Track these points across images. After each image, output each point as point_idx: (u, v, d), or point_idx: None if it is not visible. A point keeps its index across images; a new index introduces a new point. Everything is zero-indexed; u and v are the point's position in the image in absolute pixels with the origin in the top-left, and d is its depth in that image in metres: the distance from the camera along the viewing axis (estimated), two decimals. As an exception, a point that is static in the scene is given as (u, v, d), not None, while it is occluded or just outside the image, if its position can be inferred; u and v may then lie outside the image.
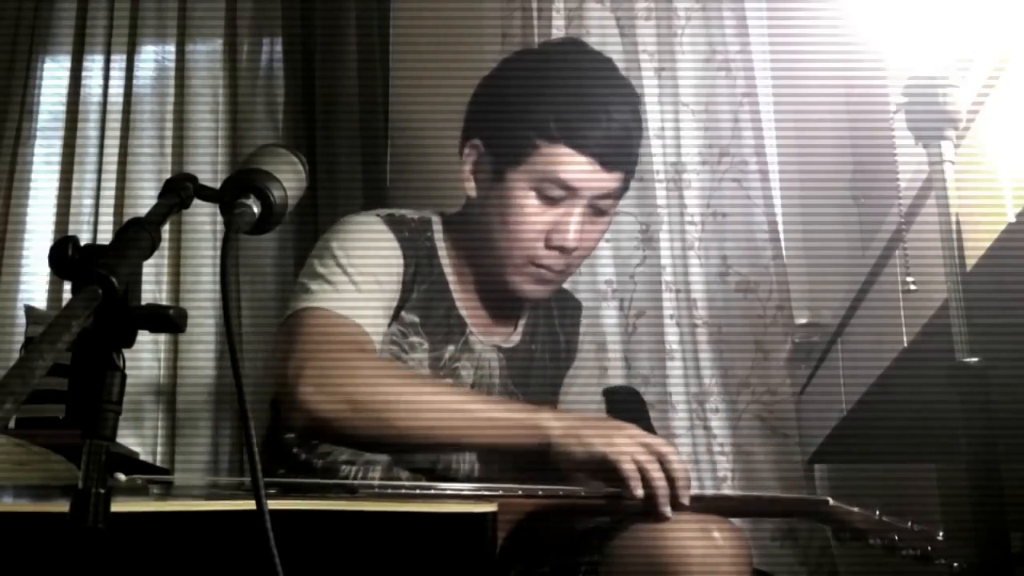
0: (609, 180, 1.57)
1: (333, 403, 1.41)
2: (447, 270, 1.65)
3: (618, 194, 1.62)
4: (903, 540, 1.40)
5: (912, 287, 1.21)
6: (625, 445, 1.38)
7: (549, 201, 1.56)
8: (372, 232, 1.60)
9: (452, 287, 1.65)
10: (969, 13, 1.16)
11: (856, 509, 1.42)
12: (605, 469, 1.38)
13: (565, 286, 1.80)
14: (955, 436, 1.12)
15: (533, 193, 1.56)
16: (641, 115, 1.65)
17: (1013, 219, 1.07)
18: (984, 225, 1.12)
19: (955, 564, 1.36)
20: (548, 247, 1.57)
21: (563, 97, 1.55)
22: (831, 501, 1.42)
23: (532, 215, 1.56)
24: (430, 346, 1.60)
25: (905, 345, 1.43)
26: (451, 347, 1.62)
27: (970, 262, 1.14)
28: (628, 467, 1.36)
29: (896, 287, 1.46)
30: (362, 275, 1.53)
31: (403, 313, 1.58)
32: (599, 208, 1.59)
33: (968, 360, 1.10)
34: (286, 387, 1.44)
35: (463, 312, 1.64)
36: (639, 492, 1.36)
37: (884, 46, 1.27)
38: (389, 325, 1.57)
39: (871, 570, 2.00)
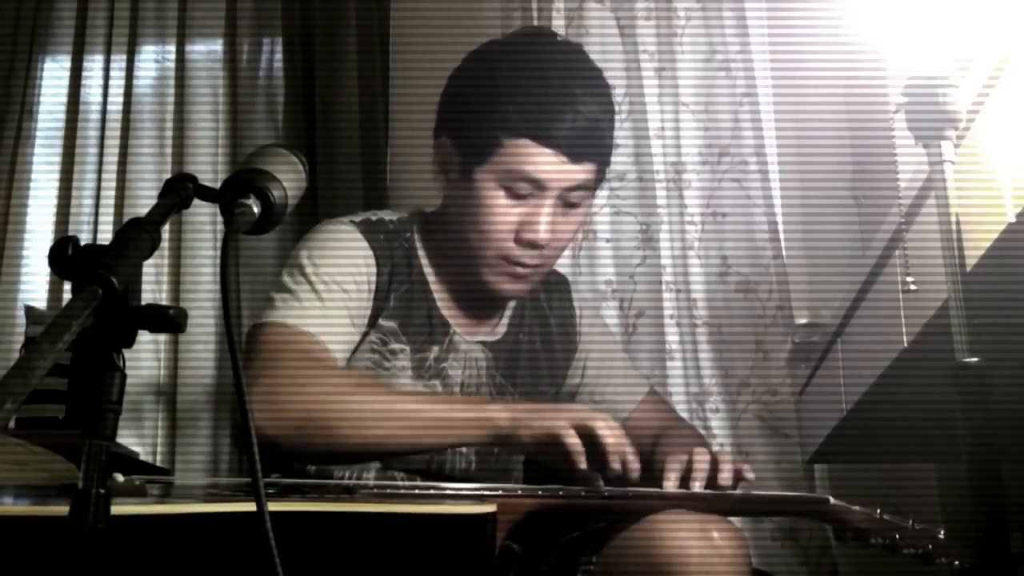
0: (578, 172, 1.55)
1: (279, 425, 1.40)
2: (427, 270, 1.64)
3: (591, 186, 1.59)
4: (904, 539, 1.39)
5: (912, 287, 1.21)
6: (565, 420, 1.42)
7: (517, 197, 1.54)
8: (344, 240, 1.58)
9: (433, 287, 1.63)
10: (969, 13, 1.16)
11: (857, 508, 1.42)
12: (554, 448, 1.42)
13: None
14: (955, 436, 1.12)
15: (501, 190, 1.54)
16: (612, 103, 1.61)
17: (1013, 219, 1.07)
18: (984, 225, 1.12)
19: (956, 563, 1.36)
20: (519, 243, 1.56)
21: (525, 90, 1.53)
22: (832, 500, 1.42)
23: (501, 212, 1.54)
24: (412, 350, 1.59)
25: (905, 345, 1.43)
26: (435, 348, 1.61)
27: (970, 262, 1.13)
28: (571, 440, 1.40)
29: (896, 287, 1.46)
30: (328, 287, 1.53)
31: (381, 321, 1.57)
32: (570, 201, 1.57)
33: (968, 360, 1.10)
34: (236, 409, 1.45)
35: (445, 312, 1.63)
36: (583, 464, 1.40)
37: (884, 46, 1.27)
38: (367, 334, 1.56)
39: (871, 570, 2.00)
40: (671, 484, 1.44)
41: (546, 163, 1.52)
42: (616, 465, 1.41)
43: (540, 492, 1.40)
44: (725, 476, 1.44)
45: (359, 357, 1.56)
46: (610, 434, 1.41)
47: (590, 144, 1.55)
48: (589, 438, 1.41)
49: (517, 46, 1.65)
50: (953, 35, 1.17)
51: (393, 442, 1.45)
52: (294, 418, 1.41)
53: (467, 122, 1.57)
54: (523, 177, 1.53)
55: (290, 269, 1.56)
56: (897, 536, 1.40)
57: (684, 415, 2.45)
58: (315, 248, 1.57)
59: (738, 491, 1.49)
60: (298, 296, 1.51)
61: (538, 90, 1.53)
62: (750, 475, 1.48)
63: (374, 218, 1.64)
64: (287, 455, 1.48)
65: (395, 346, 1.58)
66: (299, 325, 1.49)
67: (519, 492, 1.41)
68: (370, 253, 1.58)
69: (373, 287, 1.57)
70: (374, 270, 1.57)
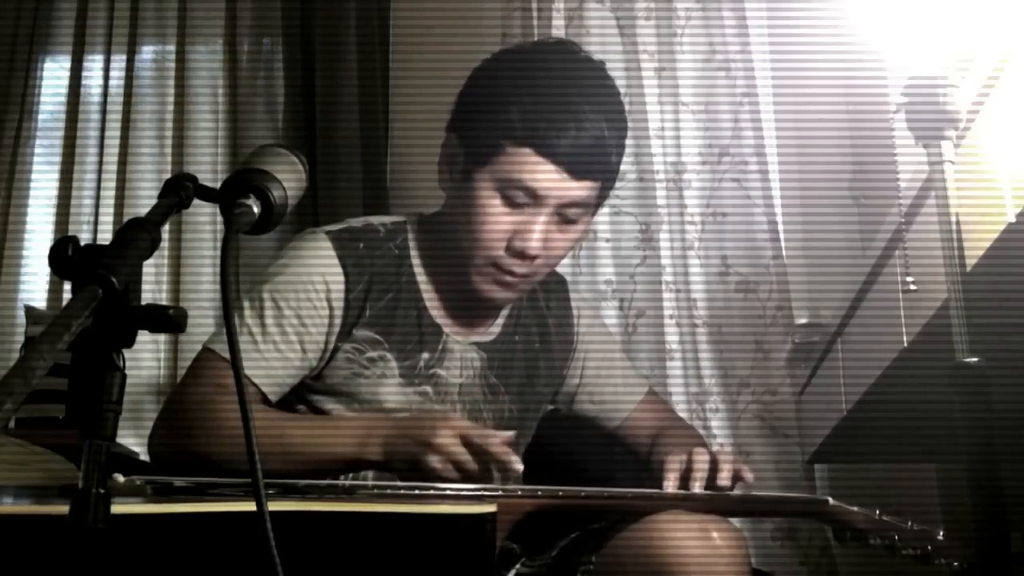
0: (577, 189, 1.53)
1: (173, 452, 1.47)
2: (419, 274, 1.62)
3: (591, 203, 1.58)
4: (903, 540, 1.39)
5: (912, 287, 1.21)
6: (436, 447, 1.39)
7: (513, 205, 1.53)
8: (310, 259, 1.57)
9: (424, 291, 1.62)
10: (969, 13, 1.16)
11: (856, 508, 1.42)
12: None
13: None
14: (955, 436, 1.12)
15: (497, 196, 1.53)
16: (623, 124, 1.60)
17: (1013, 219, 1.07)
18: (984, 225, 1.12)
19: (955, 564, 1.36)
20: (510, 252, 1.55)
21: (534, 100, 1.51)
22: (831, 501, 1.42)
23: (495, 218, 1.53)
24: (399, 356, 1.58)
25: (905, 345, 1.43)
26: (426, 354, 1.60)
27: (970, 262, 1.14)
28: (450, 475, 1.39)
29: (896, 287, 1.46)
30: (280, 317, 1.52)
31: (356, 331, 1.56)
32: (567, 216, 1.56)
33: (968, 360, 1.10)
34: (152, 430, 1.51)
35: (436, 315, 1.62)
36: (453, 476, 1.39)
37: (884, 46, 1.27)
38: (337, 349, 1.55)
39: (871, 570, 2.00)
40: (671, 484, 1.44)
41: (545, 175, 1.51)
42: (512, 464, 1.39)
43: (540, 492, 1.40)
44: (724, 477, 1.44)
45: (335, 367, 1.55)
46: (458, 451, 1.39)
47: (593, 162, 1.54)
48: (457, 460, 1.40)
49: (536, 54, 1.64)
50: (953, 35, 1.17)
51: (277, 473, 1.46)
52: (187, 450, 1.45)
53: (474, 123, 1.56)
54: (520, 186, 1.52)
55: (252, 292, 1.56)
56: (896, 537, 1.40)
57: (684, 415, 2.46)
58: (278, 275, 1.56)
59: (738, 491, 1.49)
60: (243, 325, 1.51)
61: (547, 101, 1.52)
62: (749, 477, 1.48)
63: (359, 225, 1.63)
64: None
65: (373, 354, 1.56)
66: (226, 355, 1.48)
67: (519, 492, 1.41)
68: (338, 270, 1.56)
69: (341, 304, 1.55)
70: (342, 286, 1.56)
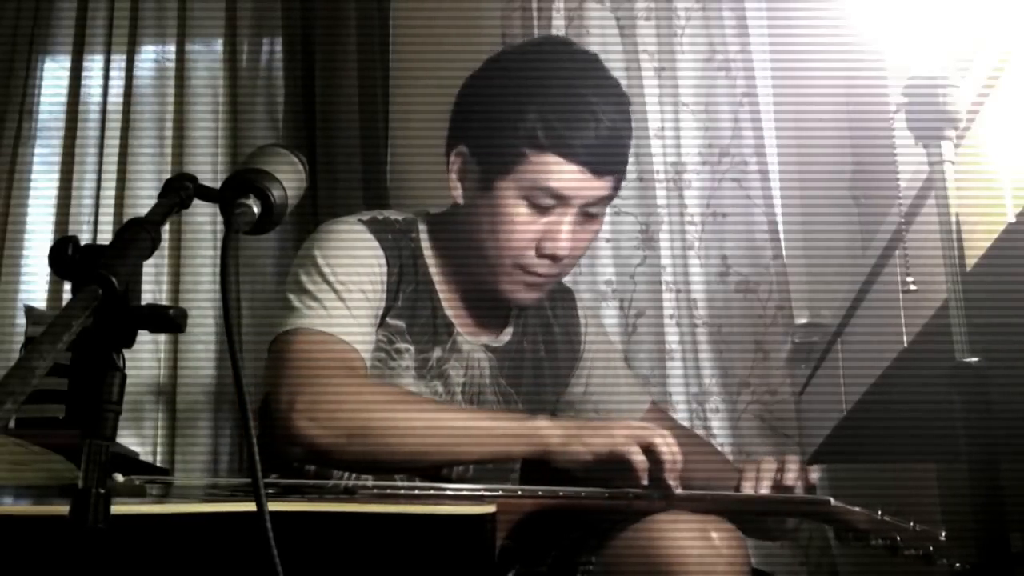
0: (600, 186, 1.55)
1: (329, 434, 1.40)
2: (433, 272, 1.63)
3: (609, 197, 1.60)
4: (905, 540, 1.40)
5: (912, 287, 1.21)
6: (626, 437, 1.41)
7: (540, 210, 1.53)
8: (355, 239, 1.57)
9: (438, 288, 1.63)
10: (969, 13, 1.16)
11: (858, 509, 1.42)
12: (612, 465, 1.41)
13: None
14: (955, 436, 1.12)
15: (523, 202, 1.53)
16: (628, 112, 1.60)
17: (1013, 219, 1.07)
18: (984, 225, 1.12)
19: (957, 564, 1.36)
20: (539, 255, 1.56)
21: (550, 103, 1.52)
22: (833, 501, 1.43)
23: (522, 224, 1.54)
24: (416, 349, 1.58)
25: (905, 345, 1.42)
26: (438, 349, 1.60)
27: (970, 262, 1.13)
28: (638, 458, 1.40)
29: (896, 287, 1.46)
30: (348, 288, 1.51)
31: (388, 319, 1.56)
32: (589, 213, 1.57)
33: (968, 360, 1.10)
34: (280, 419, 1.42)
35: (449, 313, 1.63)
36: (644, 480, 1.40)
37: (884, 46, 1.27)
38: (376, 333, 1.56)
39: (871, 570, 2.00)
40: (748, 488, 1.49)
41: (570, 177, 1.52)
42: (674, 482, 1.41)
43: (540, 492, 1.40)
44: (791, 478, 1.47)
45: (368, 361, 1.55)
46: (668, 451, 1.40)
47: (613, 158, 1.56)
48: (648, 454, 1.41)
49: (537, 55, 1.64)
50: (953, 35, 1.17)
51: (438, 454, 1.45)
52: (343, 428, 1.41)
53: (488, 133, 1.56)
54: (547, 191, 1.52)
55: (307, 270, 1.53)
56: (898, 537, 1.40)
57: (684, 415, 2.46)
58: (328, 248, 1.55)
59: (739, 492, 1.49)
60: (319, 299, 1.50)
61: (562, 103, 1.52)
62: (814, 477, 1.51)
63: (380, 217, 1.63)
64: (334, 465, 1.48)
65: (400, 345, 1.57)
66: (326, 329, 1.48)
67: (519, 492, 1.41)
68: (380, 252, 1.57)
69: (385, 286, 1.56)
70: (384, 269, 1.56)
